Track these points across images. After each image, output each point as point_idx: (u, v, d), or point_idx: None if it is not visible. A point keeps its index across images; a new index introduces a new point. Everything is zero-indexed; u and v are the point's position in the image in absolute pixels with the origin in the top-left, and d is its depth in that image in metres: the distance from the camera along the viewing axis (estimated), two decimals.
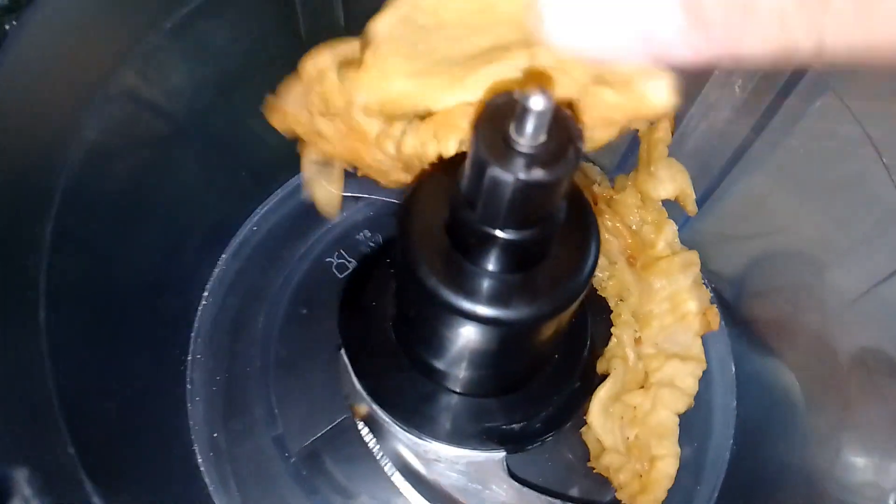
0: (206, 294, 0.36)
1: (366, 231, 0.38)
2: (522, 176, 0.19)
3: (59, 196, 0.24)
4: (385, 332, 0.31)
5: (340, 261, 0.37)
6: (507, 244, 0.22)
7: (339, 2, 0.33)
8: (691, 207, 0.34)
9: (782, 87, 0.32)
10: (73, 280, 0.25)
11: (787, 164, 0.36)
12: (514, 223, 0.22)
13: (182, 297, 0.35)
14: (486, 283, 0.23)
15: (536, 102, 0.19)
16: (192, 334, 0.35)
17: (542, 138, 0.20)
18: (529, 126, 0.19)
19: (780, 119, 0.34)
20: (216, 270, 0.36)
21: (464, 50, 0.23)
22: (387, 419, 0.30)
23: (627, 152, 0.39)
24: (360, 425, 0.31)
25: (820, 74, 0.32)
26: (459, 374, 0.29)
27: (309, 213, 0.38)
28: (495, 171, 0.20)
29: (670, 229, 0.35)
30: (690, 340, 0.34)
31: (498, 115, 0.20)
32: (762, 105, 0.35)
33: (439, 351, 0.28)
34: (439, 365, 0.29)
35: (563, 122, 0.20)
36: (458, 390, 0.30)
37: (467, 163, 0.22)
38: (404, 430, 0.30)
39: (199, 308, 0.35)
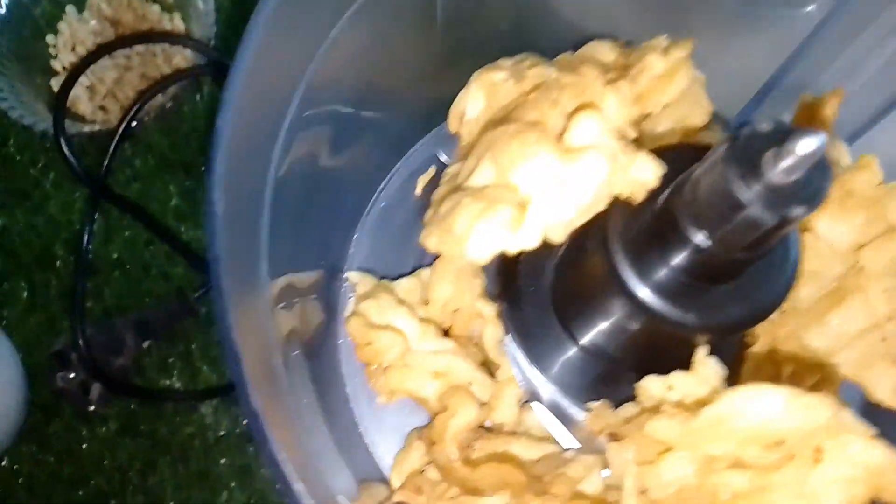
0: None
1: None
2: (788, 215, 0.20)
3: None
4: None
5: None
6: (725, 262, 0.23)
7: None
8: None
9: None
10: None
11: None
12: (749, 249, 0.22)
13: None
14: (703, 296, 0.24)
15: (808, 144, 0.19)
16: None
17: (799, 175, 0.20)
18: (800, 164, 0.19)
19: None
20: (350, 251, 0.36)
21: None
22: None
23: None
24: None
25: None
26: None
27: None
28: (755, 212, 0.20)
29: None
30: None
31: (750, 150, 0.20)
32: None
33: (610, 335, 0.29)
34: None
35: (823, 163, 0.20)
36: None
37: (700, 192, 0.22)
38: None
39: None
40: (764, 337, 0.32)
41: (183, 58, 0.62)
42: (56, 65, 0.63)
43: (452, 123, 0.32)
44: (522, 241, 0.22)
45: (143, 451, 0.55)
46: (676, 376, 0.25)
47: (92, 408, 0.53)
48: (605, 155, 0.22)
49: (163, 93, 0.60)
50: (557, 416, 0.31)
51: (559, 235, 0.22)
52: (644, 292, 0.24)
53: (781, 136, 0.19)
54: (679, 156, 0.23)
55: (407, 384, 0.29)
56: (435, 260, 0.33)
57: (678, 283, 0.24)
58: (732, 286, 0.24)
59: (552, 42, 0.31)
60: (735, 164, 0.20)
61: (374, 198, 0.37)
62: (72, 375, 0.52)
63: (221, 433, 0.56)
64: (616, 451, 0.28)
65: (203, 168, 0.61)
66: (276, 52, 0.23)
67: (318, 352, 0.33)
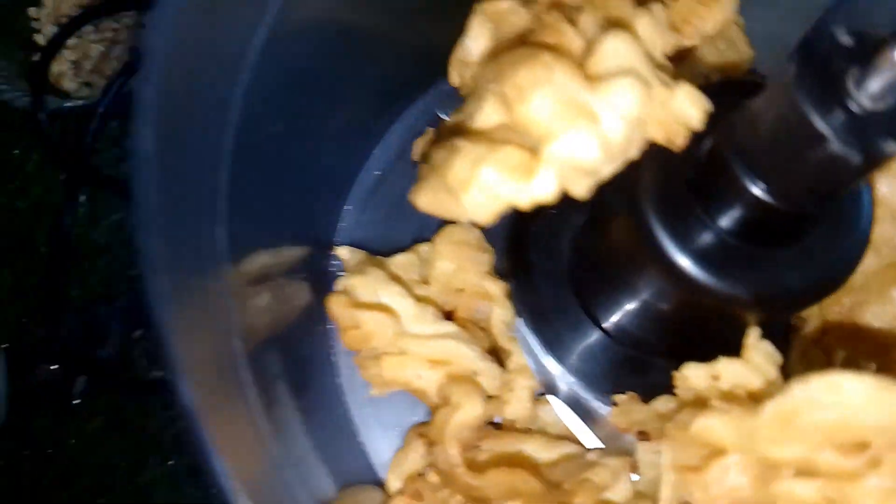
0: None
1: None
2: (877, 150, 0.15)
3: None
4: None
5: None
6: (787, 218, 0.18)
7: None
8: None
9: None
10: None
11: None
12: (818, 201, 0.17)
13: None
14: (756, 263, 0.20)
15: None
16: None
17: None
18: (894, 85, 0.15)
19: None
20: (341, 224, 0.32)
21: None
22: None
23: None
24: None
25: None
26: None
27: None
28: (835, 147, 0.15)
29: None
30: None
31: (828, 69, 0.16)
32: None
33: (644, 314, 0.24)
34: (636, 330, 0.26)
35: None
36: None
37: (762, 129, 0.17)
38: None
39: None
40: (812, 318, 0.28)
41: None
42: (39, 39, 0.59)
43: (453, 74, 0.27)
44: (535, 191, 0.17)
45: (132, 448, 0.52)
46: (724, 364, 0.20)
47: (76, 401, 0.50)
48: (638, 82, 0.18)
49: None
50: (576, 411, 0.26)
51: (582, 187, 0.18)
52: (683, 260, 0.20)
53: (869, 49, 0.14)
54: (727, 91, 0.19)
55: (402, 374, 0.24)
56: (436, 233, 0.29)
57: (726, 247, 0.19)
58: (793, 251, 0.20)
59: None
60: (809, 88, 0.15)
61: (366, 163, 0.33)
62: (53, 367, 0.48)
63: None
64: (647, 451, 0.24)
65: None
66: None
67: (305, 338, 0.29)
